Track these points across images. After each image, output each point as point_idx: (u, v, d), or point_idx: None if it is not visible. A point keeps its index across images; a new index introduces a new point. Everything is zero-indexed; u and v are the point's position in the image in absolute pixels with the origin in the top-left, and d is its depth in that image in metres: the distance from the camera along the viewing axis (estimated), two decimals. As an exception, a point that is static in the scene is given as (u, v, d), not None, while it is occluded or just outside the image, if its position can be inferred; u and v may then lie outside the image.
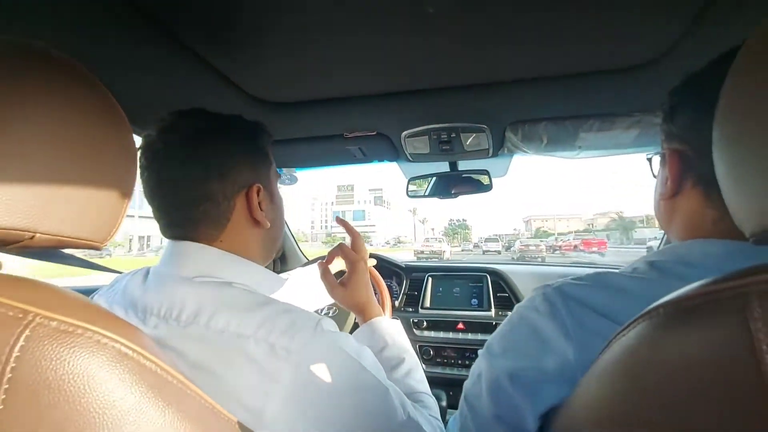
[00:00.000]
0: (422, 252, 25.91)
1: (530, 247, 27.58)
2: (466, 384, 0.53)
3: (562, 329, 0.44)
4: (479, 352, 0.53)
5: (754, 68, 0.28)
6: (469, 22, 0.58)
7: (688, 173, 0.48)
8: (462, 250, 45.54)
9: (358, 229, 0.84)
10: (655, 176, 0.56)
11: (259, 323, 0.46)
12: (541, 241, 41.49)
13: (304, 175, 1.47)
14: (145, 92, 0.75)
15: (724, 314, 0.24)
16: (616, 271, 0.48)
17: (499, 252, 35.52)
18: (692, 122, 0.46)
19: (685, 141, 0.47)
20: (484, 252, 35.17)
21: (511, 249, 32.59)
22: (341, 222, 0.86)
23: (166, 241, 0.56)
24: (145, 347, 0.31)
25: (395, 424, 0.52)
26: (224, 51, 0.66)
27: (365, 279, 0.81)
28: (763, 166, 0.28)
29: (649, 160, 0.59)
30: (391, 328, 0.77)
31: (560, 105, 0.84)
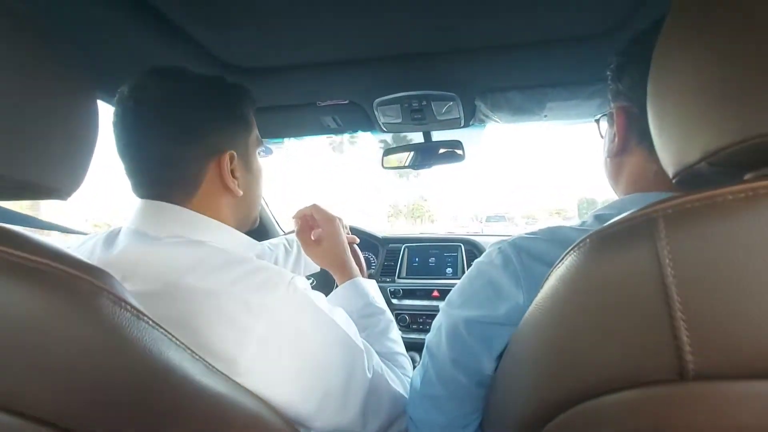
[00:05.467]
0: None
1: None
2: (428, 336, 0.57)
3: (514, 278, 0.48)
4: (440, 306, 0.57)
5: (678, 30, 0.31)
6: None
7: (634, 130, 0.51)
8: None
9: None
10: (602, 137, 0.60)
11: (233, 280, 0.47)
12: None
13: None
14: (107, 56, 0.73)
15: (636, 237, 0.27)
16: (568, 225, 0.52)
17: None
18: (638, 80, 0.48)
19: (630, 99, 0.50)
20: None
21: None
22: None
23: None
24: (114, 287, 0.32)
25: (364, 378, 0.55)
26: (191, 12, 0.65)
27: (342, 238, 0.81)
28: (681, 114, 0.31)
29: (597, 121, 0.62)
30: (368, 289, 0.79)
31: (526, 73, 0.87)
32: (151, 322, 0.34)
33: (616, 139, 0.52)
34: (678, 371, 0.24)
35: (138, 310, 0.34)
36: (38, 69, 0.33)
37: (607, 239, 0.29)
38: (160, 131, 0.53)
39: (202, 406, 0.38)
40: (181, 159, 0.53)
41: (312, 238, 0.82)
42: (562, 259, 0.33)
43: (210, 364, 0.41)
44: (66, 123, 0.36)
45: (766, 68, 0.24)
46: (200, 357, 0.39)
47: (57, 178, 0.35)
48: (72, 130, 0.36)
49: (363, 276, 1.15)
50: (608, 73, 0.54)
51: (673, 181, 0.33)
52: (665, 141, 0.34)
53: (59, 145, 0.35)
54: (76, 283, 0.30)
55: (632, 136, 0.51)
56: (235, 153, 0.57)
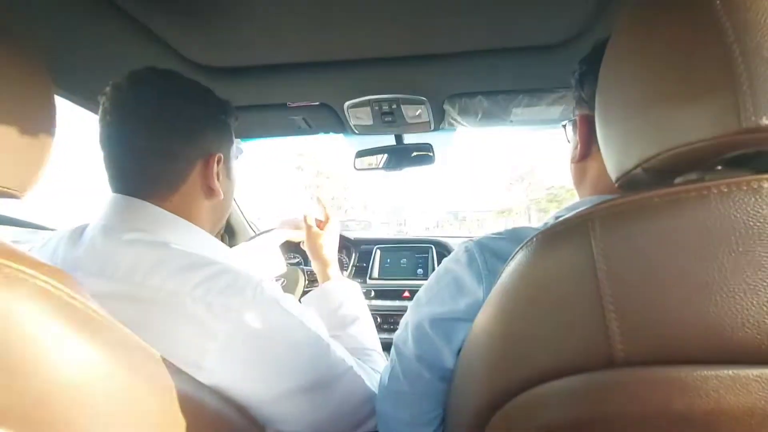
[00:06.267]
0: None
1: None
2: (396, 333, 0.58)
3: (477, 275, 0.49)
4: (409, 304, 0.58)
5: (621, 48, 0.34)
6: None
7: (595, 136, 0.53)
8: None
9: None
10: (569, 142, 0.62)
11: (197, 282, 0.46)
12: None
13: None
14: (73, 56, 0.71)
15: (575, 235, 0.29)
16: (533, 226, 0.54)
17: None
18: (596, 89, 0.51)
19: (591, 107, 0.52)
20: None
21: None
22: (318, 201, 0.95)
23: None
24: (66, 284, 0.32)
25: (334, 375, 0.56)
26: (159, 11, 0.64)
27: (337, 238, 0.89)
28: (622, 125, 0.34)
29: (564, 126, 0.65)
30: (348, 290, 0.82)
31: (491, 79, 0.90)
32: (101, 318, 0.34)
33: (579, 146, 0.55)
34: (609, 358, 0.26)
35: (94, 310, 0.33)
36: None
37: (550, 237, 0.31)
38: (157, 124, 0.53)
39: (162, 406, 0.38)
40: (171, 153, 0.54)
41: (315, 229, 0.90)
42: (513, 255, 0.35)
43: (173, 365, 0.40)
44: (17, 118, 0.35)
45: (686, 87, 0.26)
46: (163, 357, 0.39)
47: (7, 175, 0.34)
48: (24, 125, 0.35)
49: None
50: (572, 81, 0.56)
51: (616, 185, 0.36)
52: (609, 149, 0.36)
53: (9, 140, 0.34)
54: (25, 280, 0.29)
55: (593, 142, 0.52)
56: (222, 156, 0.59)
